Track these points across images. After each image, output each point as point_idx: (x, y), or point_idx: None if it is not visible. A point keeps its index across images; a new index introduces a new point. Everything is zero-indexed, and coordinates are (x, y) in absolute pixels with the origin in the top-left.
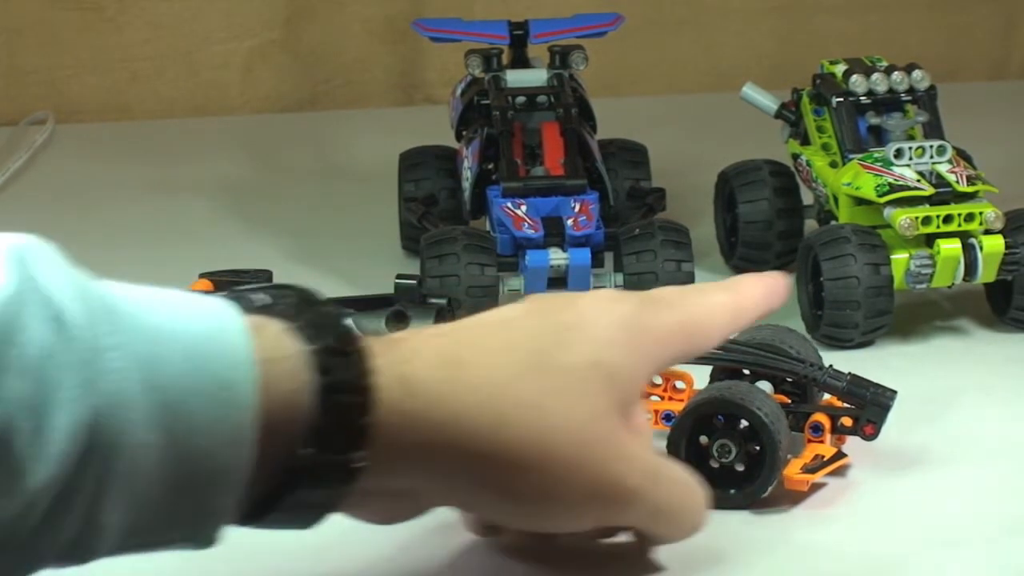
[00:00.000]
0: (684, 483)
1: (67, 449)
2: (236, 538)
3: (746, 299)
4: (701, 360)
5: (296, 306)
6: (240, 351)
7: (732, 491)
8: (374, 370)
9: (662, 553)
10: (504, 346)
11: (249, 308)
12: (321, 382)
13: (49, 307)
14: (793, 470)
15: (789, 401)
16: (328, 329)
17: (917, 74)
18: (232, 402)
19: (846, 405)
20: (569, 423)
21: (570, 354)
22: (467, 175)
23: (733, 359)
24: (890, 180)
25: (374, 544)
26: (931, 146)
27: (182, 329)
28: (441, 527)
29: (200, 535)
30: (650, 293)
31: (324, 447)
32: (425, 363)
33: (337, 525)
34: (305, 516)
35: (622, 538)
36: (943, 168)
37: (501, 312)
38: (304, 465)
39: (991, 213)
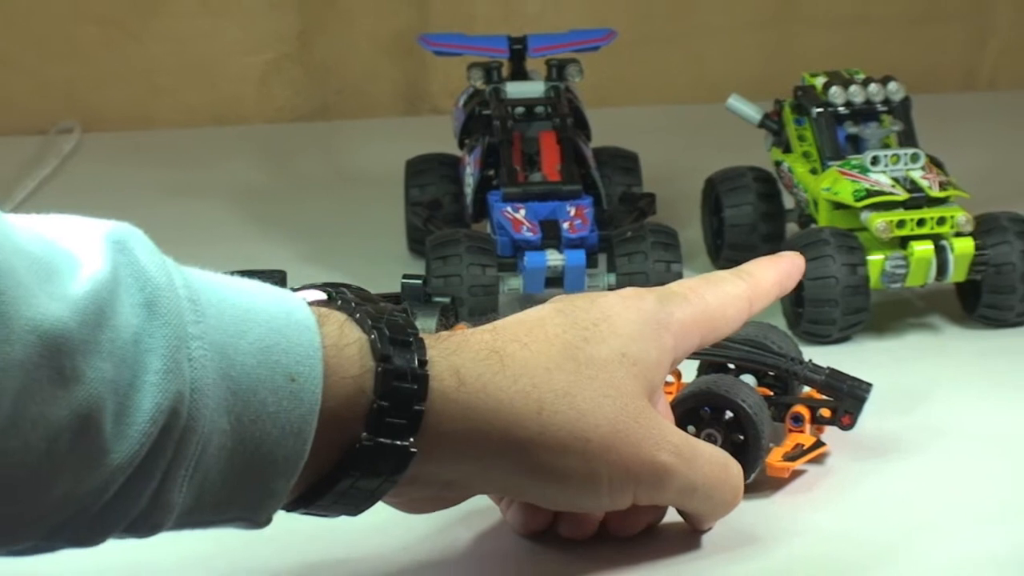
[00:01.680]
0: (717, 461)
1: (148, 430)
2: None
3: (760, 285)
4: (691, 356)
5: (353, 300)
6: (309, 344)
7: None
8: (430, 360)
9: (644, 535)
10: (540, 340)
11: (311, 302)
12: (382, 369)
13: (141, 292)
14: (775, 458)
15: (771, 393)
16: (385, 320)
17: (892, 86)
18: (299, 394)
19: (825, 397)
20: (601, 408)
21: (599, 347)
22: (469, 181)
23: (719, 354)
24: (867, 186)
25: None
26: (905, 154)
27: (257, 320)
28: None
29: (256, 515)
30: (668, 288)
31: (383, 432)
32: (472, 355)
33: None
34: (355, 501)
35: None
36: (917, 174)
37: (533, 312)
38: (362, 449)
39: (962, 217)
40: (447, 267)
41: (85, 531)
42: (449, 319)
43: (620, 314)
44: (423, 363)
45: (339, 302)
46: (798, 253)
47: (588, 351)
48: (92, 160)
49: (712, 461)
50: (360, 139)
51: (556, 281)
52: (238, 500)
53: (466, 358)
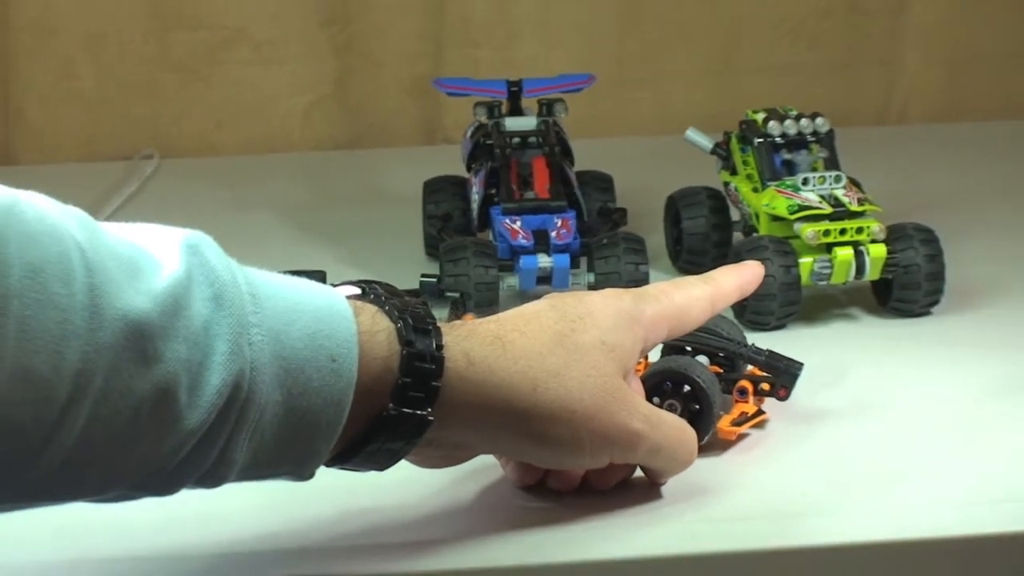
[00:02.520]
0: (677, 426)
1: (215, 401)
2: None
3: (722, 289)
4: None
5: (383, 295)
6: (347, 331)
7: None
8: (445, 344)
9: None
10: (536, 330)
11: (348, 296)
12: (406, 352)
13: (211, 287)
14: (724, 424)
15: (721, 371)
16: (408, 312)
17: (819, 120)
18: (339, 372)
19: (765, 374)
20: (585, 386)
21: (584, 336)
22: (475, 198)
23: (679, 339)
24: (799, 202)
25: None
26: (830, 175)
27: (305, 312)
28: (472, 473)
29: (302, 471)
30: (643, 289)
31: (405, 404)
32: (480, 341)
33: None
34: (382, 459)
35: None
36: (839, 192)
37: (531, 306)
38: (389, 417)
39: (876, 227)
40: (457, 268)
41: (164, 483)
42: (459, 310)
43: (601, 310)
44: (440, 347)
45: (371, 296)
46: (759, 263)
47: (575, 339)
48: (168, 182)
49: (674, 427)
50: (386, 164)
51: (546, 280)
52: (288, 458)
53: (475, 343)
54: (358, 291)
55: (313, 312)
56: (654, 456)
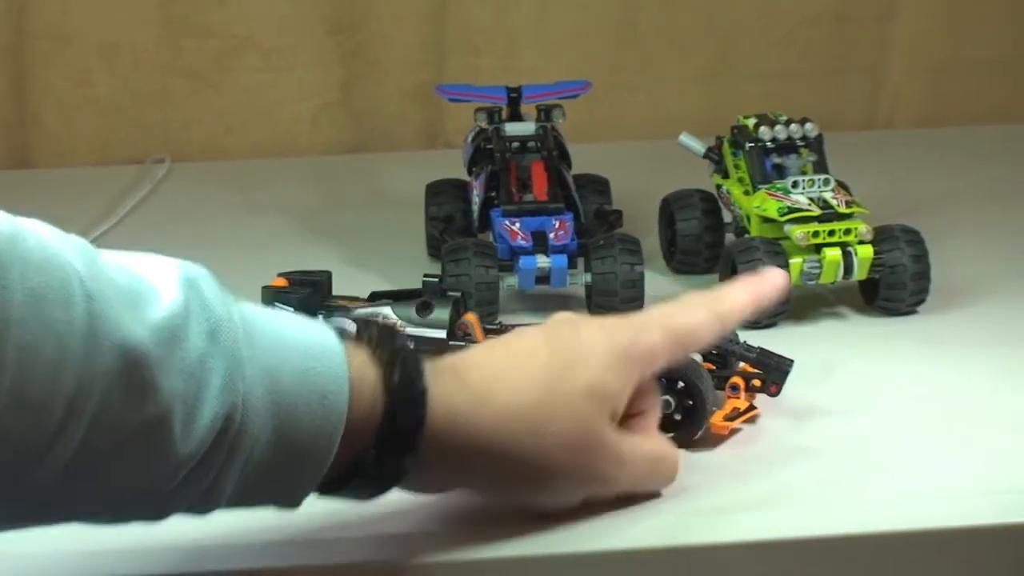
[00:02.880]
0: (655, 456)
1: (208, 433)
2: None
3: (732, 310)
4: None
5: (377, 339)
6: (339, 370)
7: (672, 435)
8: (428, 395)
9: None
10: (524, 382)
11: (343, 336)
12: (390, 402)
13: (208, 322)
14: (717, 419)
15: (714, 368)
16: (398, 361)
17: (809, 125)
18: (329, 409)
19: (756, 371)
20: (566, 440)
21: (572, 383)
22: (476, 200)
23: None
24: (789, 204)
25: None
26: (819, 179)
27: (298, 349)
28: None
29: (289, 500)
30: (646, 320)
31: (385, 451)
32: (466, 392)
33: None
34: (363, 496)
35: None
36: (828, 195)
37: (527, 339)
38: (369, 463)
39: (864, 228)
40: (458, 268)
41: (155, 510)
42: (460, 309)
43: (596, 351)
44: (424, 401)
45: (365, 338)
46: (784, 273)
47: (563, 388)
48: (179, 185)
49: (649, 456)
50: (390, 168)
51: (544, 279)
52: (276, 489)
53: (459, 395)
54: (356, 331)
55: (306, 350)
56: (632, 487)
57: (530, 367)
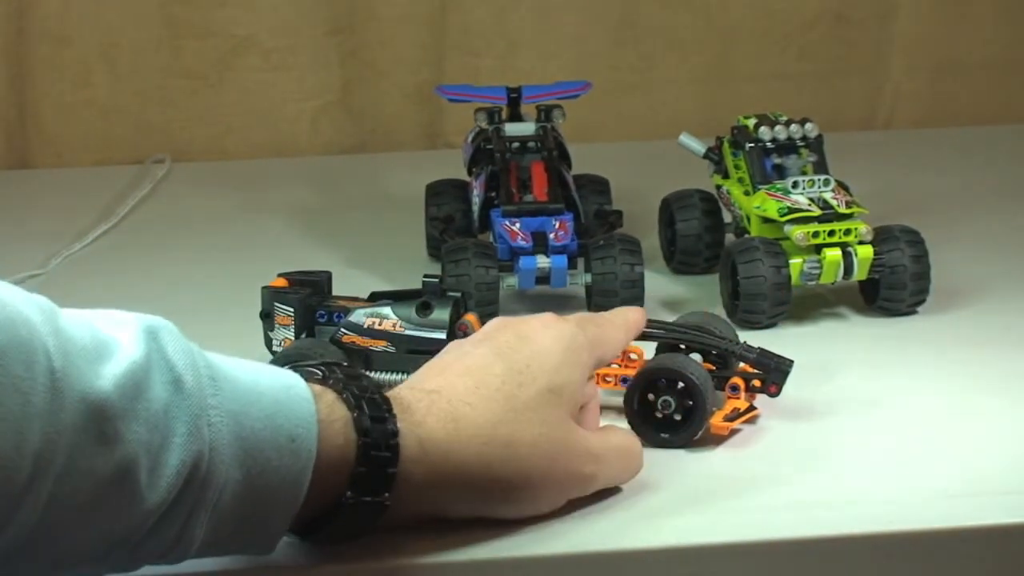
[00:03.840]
0: (623, 448)
1: (174, 481)
2: None
3: (630, 323)
4: (650, 338)
5: (343, 380)
6: (306, 412)
7: (671, 435)
8: (399, 432)
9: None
10: (484, 397)
11: (309, 378)
12: (362, 442)
13: (171, 372)
14: (717, 419)
15: (714, 368)
16: (366, 399)
17: (809, 126)
18: (297, 453)
19: (756, 371)
20: (537, 448)
21: (531, 389)
22: (476, 201)
23: (673, 337)
24: (789, 204)
25: None
26: (819, 179)
27: (264, 394)
28: None
29: (261, 546)
30: (581, 314)
31: (362, 491)
32: (434, 424)
33: None
34: (338, 540)
35: None
36: (828, 195)
37: (477, 359)
38: (346, 505)
39: (864, 229)
40: (458, 268)
41: (126, 560)
42: (460, 309)
43: (545, 347)
44: (395, 434)
45: (331, 381)
46: (643, 311)
47: (523, 397)
48: (179, 186)
49: (619, 449)
50: (390, 168)
51: (544, 279)
52: (247, 535)
53: (429, 427)
54: (321, 374)
55: (272, 394)
56: (608, 483)
57: (488, 384)
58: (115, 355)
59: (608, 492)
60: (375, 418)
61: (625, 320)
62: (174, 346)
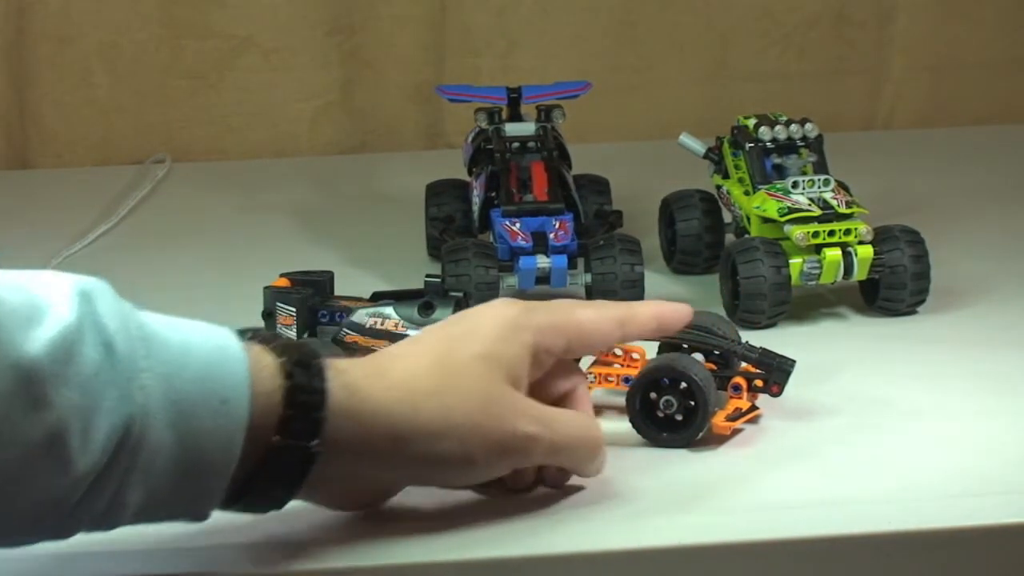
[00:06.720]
0: (577, 423)
1: (106, 445)
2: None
3: (636, 316)
4: (652, 338)
5: (266, 337)
6: (239, 372)
7: (674, 434)
8: (327, 378)
9: (624, 480)
10: (415, 354)
11: (243, 337)
12: (288, 385)
13: (103, 335)
14: (719, 419)
15: (716, 368)
16: (294, 349)
17: (809, 126)
18: (230, 413)
19: (758, 371)
20: (466, 400)
21: (463, 352)
22: (476, 201)
23: (676, 337)
24: (789, 204)
25: None
26: (819, 179)
27: (197, 354)
28: None
29: (197, 512)
30: (538, 303)
31: (291, 435)
32: (360, 373)
33: None
34: (274, 496)
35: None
36: (828, 195)
37: (420, 333)
38: (276, 449)
39: (864, 229)
40: (459, 268)
41: (59, 526)
42: (461, 309)
43: (485, 322)
44: (322, 380)
45: (263, 337)
46: (687, 307)
47: (454, 356)
48: (179, 185)
49: (571, 424)
50: (390, 168)
51: (544, 280)
52: (183, 498)
53: (354, 375)
54: (257, 334)
55: (205, 356)
56: (555, 456)
57: (422, 346)
58: (47, 318)
59: (608, 492)
60: (301, 363)
61: (615, 315)
62: (107, 308)
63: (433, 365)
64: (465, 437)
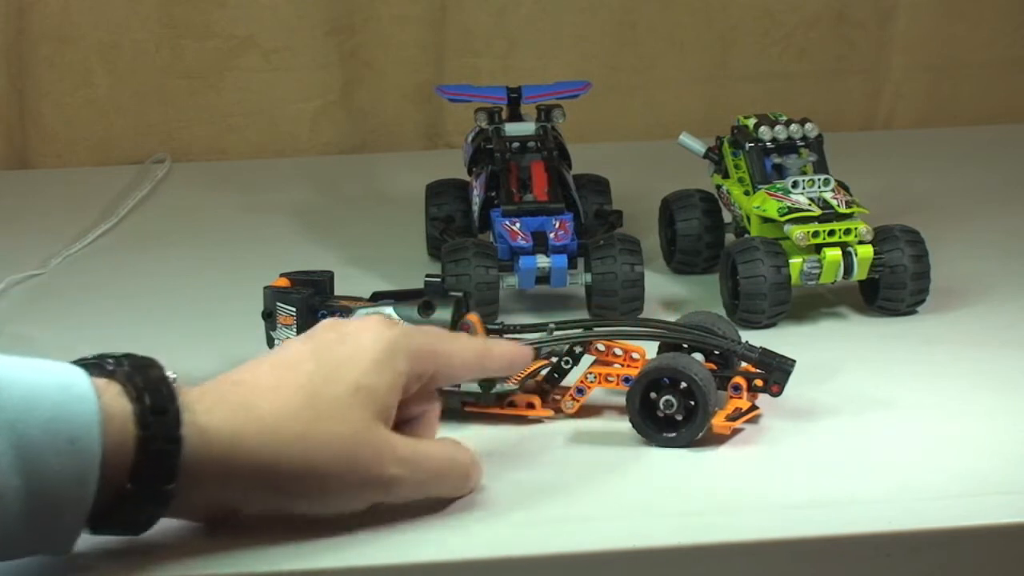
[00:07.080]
0: (442, 456)
1: None
2: None
3: (492, 350)
4: (652, 338)
5: (128, 373)
6: (87, 412)
7: (674, 434)
8: (183, 423)
9: (624, 480)
10: (287, 390)
11: (95, 373)
12: (142, 435)
13: None
14: (719, 419)
15: (716, 368)
16: (149, 392)
17: (808, 126)
18: (80, 453)
19: (758, 371)
20: (332, 442)
21: (337, 387)
22: (476, 200)
23: (675, 337)
24: (789, 204)
25: None
26: (819, 179)
27: (43, 398)
28: None
29: (57, 547)
30: (413, 326)
31: (144, 482)
32: (222, 414)
33: None
34: (134, 527)
35: None
36: (828, 195)
37: (292, 352)
38: (129, 494)
39: (864, 228)
40: (459, 268)
41: None
42: (461, 309)
43: (363, 347)
44: (177, 426)
45: (116, 373)
46: (531, 350)
47: (326, 393)
48: (179, 185)
49: (436, 457)
50: (390, 168)
51: (544, 279)
52: (39, 537)
53: (217, 416)
54: (110, 367)
55: (52, 397)
56: (421, 491)
57: (294, 379)
58: None
59: (608, 492)
60: (156, 410)
61: (475, 347)
62: None
63: (303, 408)
64: (328, 477)
